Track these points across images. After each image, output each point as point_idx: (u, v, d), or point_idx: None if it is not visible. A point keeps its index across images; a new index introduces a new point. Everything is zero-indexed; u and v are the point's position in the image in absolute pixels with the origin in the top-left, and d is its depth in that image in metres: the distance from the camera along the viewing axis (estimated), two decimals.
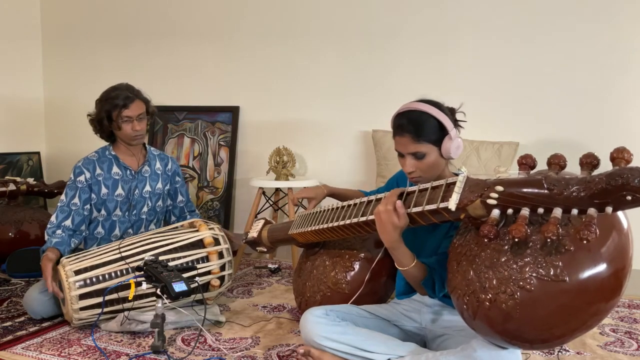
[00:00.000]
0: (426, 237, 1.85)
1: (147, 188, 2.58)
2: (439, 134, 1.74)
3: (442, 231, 1.80)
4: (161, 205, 2.65)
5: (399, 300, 1.97)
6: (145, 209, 2.59)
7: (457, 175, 1.67)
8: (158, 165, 2.63)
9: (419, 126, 1.73)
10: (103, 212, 2.53)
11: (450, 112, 1.79)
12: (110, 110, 2.44)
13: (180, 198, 2.72)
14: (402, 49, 3.26)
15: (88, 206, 2.50)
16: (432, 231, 1.83)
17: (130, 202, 2.54)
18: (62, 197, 2.50)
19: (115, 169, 2.53)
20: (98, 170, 2.51)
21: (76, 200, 2.48)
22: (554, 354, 2.02)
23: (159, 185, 2.62)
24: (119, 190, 2.53)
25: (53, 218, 2.46)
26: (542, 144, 2.98)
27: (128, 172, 2.54)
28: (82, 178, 2.48)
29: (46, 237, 2.42)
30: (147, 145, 2.65)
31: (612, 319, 2.44)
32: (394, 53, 3.28)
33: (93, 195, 2.50)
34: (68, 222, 2.45)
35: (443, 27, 3.17)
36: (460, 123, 1.83)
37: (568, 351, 2.05)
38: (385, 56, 3.30)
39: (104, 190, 2.51)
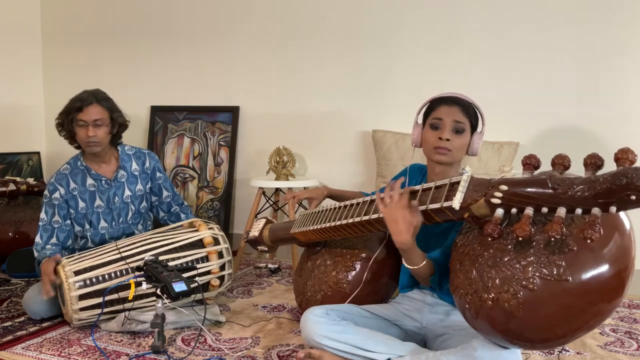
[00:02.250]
0: (431, 233, 1.85)
1: (127, 193, 2.51)
2: (476, 124, 1.84)
3: (447, 226, 1.80)
4: (145, 205, 2.59)
5: (400, 299, 1.97)
6: (130, 214, 2.54)
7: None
8: (134, 165, 2.54)
9: (468, 106, 1.83)
10: (88, 226, 2.48)
11: None
12: (68, 113, 2.37)
13: (165, 193, 2.64)
14: (402, 49, 3.26)
15: (69, 221, 2.46)
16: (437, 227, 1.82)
17: (113, 211, 2.49)
18: (42, 215, 2.43)
19: (89, 181, 2.46)
20: (72, 185, 2.44)
21: (57, 217, 2.43)
22: (554, 354, 2.02)
23: (139, 186, 2.54)
24: (98, 202, 2.47)
25: (38, 238, 2.41)
26: (542, 144, 2.97)
27: (103, 181, 2.46)
28: (57, 195, 2.42)
29: (35, 254, 2.39)
30: (119, 146, 2.54)
31: (612, 319, 2.43)
32: (394, 53, 3.28)
33: (72, 211, 2.45)
34: (54, 240, 2.43)
35: (443, 27, 3.17)
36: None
37: (568, 351, 2.05)
38: (385, 56, 3.30)
39: (81, 204, 2.45)
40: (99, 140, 2.37)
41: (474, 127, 1.83)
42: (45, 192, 2.46)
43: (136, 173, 2.54)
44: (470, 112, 1.82)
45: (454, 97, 1.83)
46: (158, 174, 2.61)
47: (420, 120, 1.90)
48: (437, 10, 3.17)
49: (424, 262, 1.68)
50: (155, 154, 2.66)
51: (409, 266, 1.70)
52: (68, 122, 2.38)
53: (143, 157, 2.59)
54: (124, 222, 2.52)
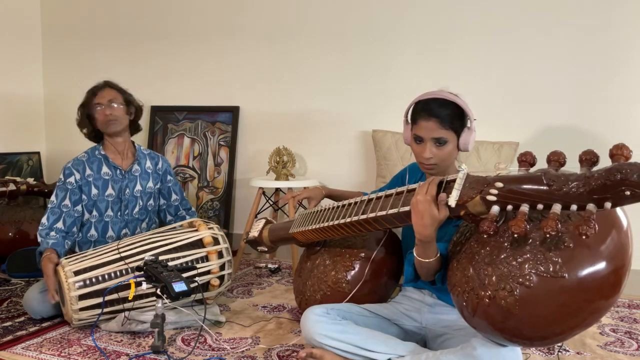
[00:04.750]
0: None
1: (138, 187, 2.57)
2: (460, 124, 1.77)
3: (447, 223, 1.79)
4: (152, 204, 2.64)
5: (400, 299, 1.98)
6: (137, 208, 2.58)
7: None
8: (148, 164, 2.62)
9: (446, 112, 1.74)
10: (95, 213, 2.51)
11: None
12: (86, 104, 2.50)
13: (174, 197, 2.70)
14: (402, 49, 3.26)
15: (79, 207, 2.49)
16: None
17: (122, 202, 2.54)
18: (52, 198, 2.49)
19: (104, 169, 2.52)
20: (88, 171, 2.50)
21: (67, 202, 2.46)
22: (554, 353, 2.02)
23: (150, 184, 2.61)
24: (110, 190, 2.52)
25: (44, 220, 2.44)
26: (542, 144, 2.97)
27: (118, 171, 2.53)
28: (71, 179, 2.47)
29: (39, 239, 2.41)
30: (136, 144, 2.64)
31: (612, 319, 2.43)
32: (394, 53, 3.28)
33: (84, 197, 2.49)
34: (60, 224, 2.44)
35: (442, 26, 3.17)
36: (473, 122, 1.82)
37: (568, 351, 2.05)
38: (385, 56, 3.31)
39: (94, 191, 2.50)
40: (116, 117, 2.48)
41: (459, 128, 1.76)
42: (60, 176, 2.50)
43: (149, 171, 2.62)
44: (452, 116, 1.75)
45: (431, 108, 1.75)
46: (169, 177, 2.69)
47: (410, 120, 1.86)
48: (437, 10, 3.18)
49: (437, 257, 1.63)
50: (167, 159, 2.76)
51: (420, 259, 1.63)
52: (86, 112, 2.50)
53: (156, 158, 2.68)
54: (129, 215, 2.57)
